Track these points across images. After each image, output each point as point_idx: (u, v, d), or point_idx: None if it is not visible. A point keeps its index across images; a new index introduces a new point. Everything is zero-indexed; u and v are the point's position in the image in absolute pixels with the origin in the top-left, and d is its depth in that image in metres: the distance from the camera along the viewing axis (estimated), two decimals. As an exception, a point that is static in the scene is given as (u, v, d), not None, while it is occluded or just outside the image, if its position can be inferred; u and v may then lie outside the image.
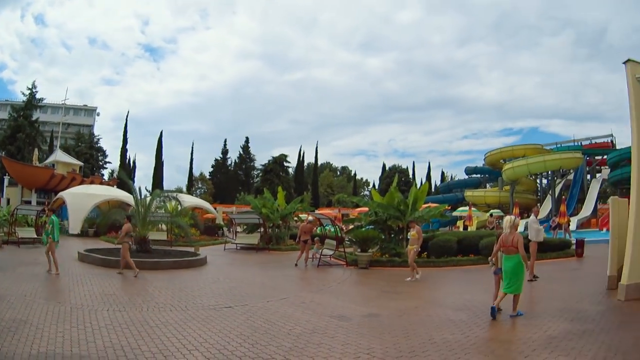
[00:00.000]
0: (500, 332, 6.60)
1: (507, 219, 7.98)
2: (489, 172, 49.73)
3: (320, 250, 15.99)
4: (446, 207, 28.28)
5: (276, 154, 65.02)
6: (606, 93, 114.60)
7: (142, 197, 17.58)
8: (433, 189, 68.28)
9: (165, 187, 52.28)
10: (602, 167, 41.52)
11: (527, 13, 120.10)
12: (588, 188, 38.87)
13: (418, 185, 23.56)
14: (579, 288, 10.03)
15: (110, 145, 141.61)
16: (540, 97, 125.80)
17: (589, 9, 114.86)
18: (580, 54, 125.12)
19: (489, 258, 8.39)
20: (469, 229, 26.36)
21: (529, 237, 11.41)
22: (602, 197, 36.42)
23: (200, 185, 70.59)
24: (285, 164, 64.72)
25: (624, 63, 9.01)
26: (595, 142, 47.94)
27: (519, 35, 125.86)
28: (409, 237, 13.15)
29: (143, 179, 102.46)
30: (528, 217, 37.05)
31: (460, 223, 31.52)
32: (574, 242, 16.98)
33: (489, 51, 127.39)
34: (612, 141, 46.91)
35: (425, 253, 15.22)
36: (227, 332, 6.11)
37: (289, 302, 8.56)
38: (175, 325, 6.40)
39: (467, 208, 30.49)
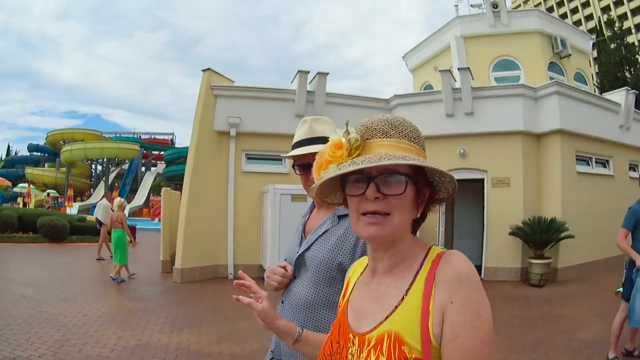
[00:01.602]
0: (68, 308, 6.49)
1: (117, 199, 9.71)
2: (50, 151, 47.61)
3: None
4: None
5: None
6: (177, 96, 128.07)
7: None
8: (-3, 163, 57.68)
9: None
10: (158, 162, 46.09)
11: (132, 4, 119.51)
12: (142, 179, 41.67)
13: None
14: (133, 271, 10.04)
15: None
16: (114, 87, 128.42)
17: (195, 19, 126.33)
18: (167, 55, 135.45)
19: None
20: (28, 206, 26.53)
21: (101, 220, 12.42)
22: (156, 189, 39.24)
23: None
24: None
25: (203, 71, 10.17)
26: (156, 138, 52.72)
27: (115, 24, 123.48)
28: None
29: None
30: (81, 200, 37.63)
31: (21, 200, 30.81)
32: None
33: (81, 32, 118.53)
34: (172, 139, 52.75)
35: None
36: None
37: None
38: None
39: (26, 185, 30.65)
